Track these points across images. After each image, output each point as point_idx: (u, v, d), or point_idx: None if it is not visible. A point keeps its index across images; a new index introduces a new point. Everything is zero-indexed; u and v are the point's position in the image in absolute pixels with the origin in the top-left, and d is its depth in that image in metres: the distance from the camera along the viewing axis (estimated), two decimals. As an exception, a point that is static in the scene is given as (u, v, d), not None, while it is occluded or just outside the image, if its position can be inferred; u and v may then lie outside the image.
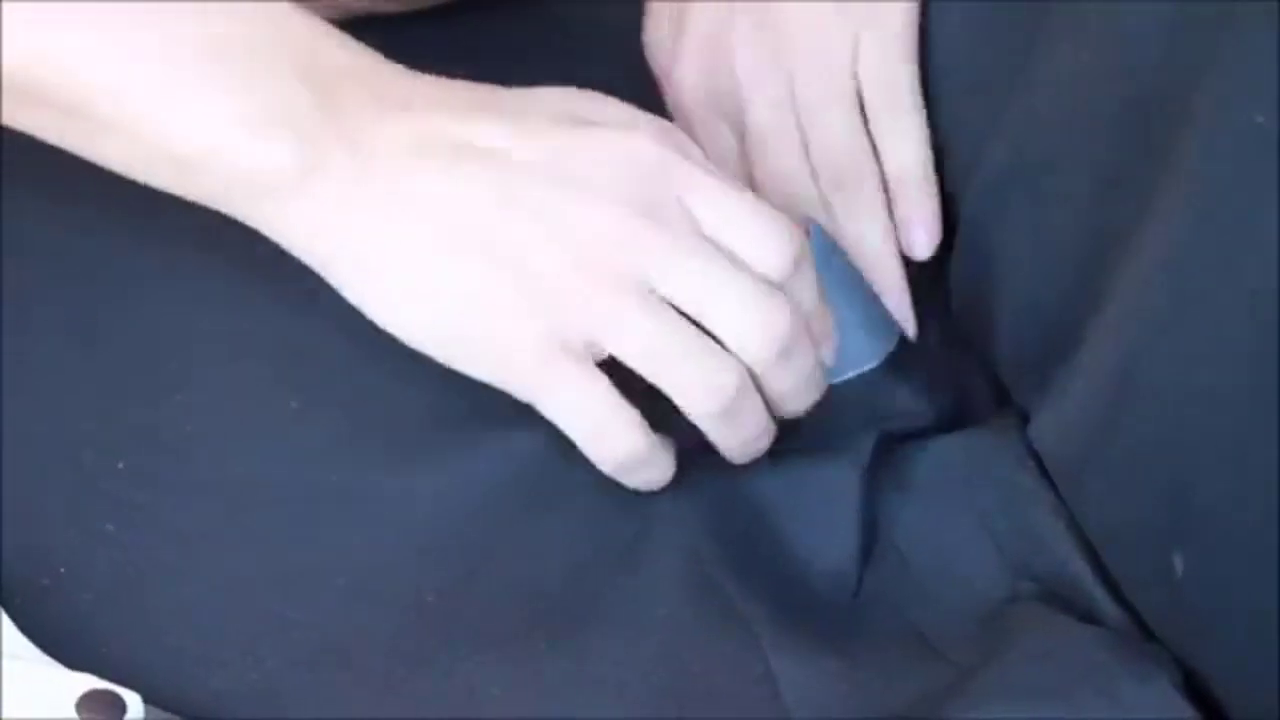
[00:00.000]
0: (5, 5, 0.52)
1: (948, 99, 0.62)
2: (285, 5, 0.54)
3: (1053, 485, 0.58)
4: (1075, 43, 0.56)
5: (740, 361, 0.55)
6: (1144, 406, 0.53)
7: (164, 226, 0.58)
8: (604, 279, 0.53)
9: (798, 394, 0.57)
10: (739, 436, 0.57)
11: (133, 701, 0.52)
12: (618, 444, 0.55)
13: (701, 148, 0.57)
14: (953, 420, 0.62)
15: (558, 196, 0.53)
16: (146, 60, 0.53)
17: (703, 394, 0.54)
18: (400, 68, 0.55)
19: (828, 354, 0.58)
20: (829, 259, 0.62)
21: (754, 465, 0.58)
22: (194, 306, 0.59)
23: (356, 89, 0.54)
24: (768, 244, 0.54)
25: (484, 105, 0.55)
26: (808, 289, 0.56)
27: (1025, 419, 0.59)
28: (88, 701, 0.51)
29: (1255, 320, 0.49)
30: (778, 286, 0.55)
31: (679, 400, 0.55)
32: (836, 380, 0.61)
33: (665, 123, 0.56)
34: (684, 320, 0.54)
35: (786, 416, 0.58)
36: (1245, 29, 0.49)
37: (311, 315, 0.57)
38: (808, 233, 0.61)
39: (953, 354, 0.63)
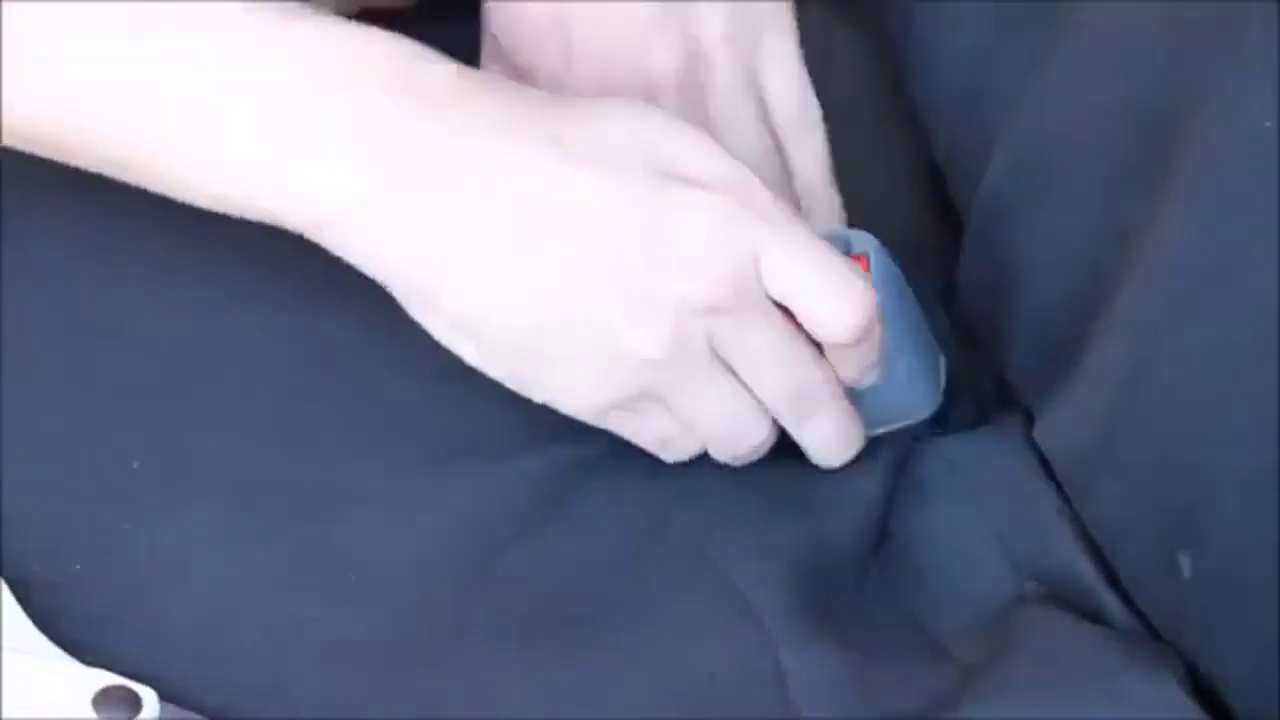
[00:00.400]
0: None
1: (953, 108, 0.62)
2: (361, 27, 0.55)
3: (1059, 485, 0.58)
4: (1081, 49, 0.56)
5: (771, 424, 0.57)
6: (1151, 409, 0.53)
7: (180, 226, 0.58)
8: (677, 351, 0.54)
9: (828, 449, 0.58)
10: (742, 458, 0.58)
11: (148, 697, 0.52)
12: (682, 451, 0.57)
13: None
14: (970, 420, 0.63)
15: (646, 270, 0.54)
16: (199, 95, 0.54)
17: (728, 445, 0.57)
18: (478, 80, 0.55)
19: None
20: (893, 292, 0.60)
21: (770, 462, 0.59)
22: (209, 307, 0.59)
23: (442, 110, 0.54)
24: (835, 316, 0.55)
25: (569, 142, 0.54)
26: (867, 354, 0.57)
27: (1031, 420, 0.60)
28: (104, 697, 0.52)
29: (1262, 322, 0.49)
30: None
31: (706, 444, 0.57)
32: (880, 431, 0.61)
33: (746, 175, 0.56)
34: (733, 384, 0.56)
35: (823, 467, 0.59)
36: (1253, 33, 0.50)
37: (328, 321, 0.58)
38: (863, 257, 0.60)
39: (969, 354, 0.64)
